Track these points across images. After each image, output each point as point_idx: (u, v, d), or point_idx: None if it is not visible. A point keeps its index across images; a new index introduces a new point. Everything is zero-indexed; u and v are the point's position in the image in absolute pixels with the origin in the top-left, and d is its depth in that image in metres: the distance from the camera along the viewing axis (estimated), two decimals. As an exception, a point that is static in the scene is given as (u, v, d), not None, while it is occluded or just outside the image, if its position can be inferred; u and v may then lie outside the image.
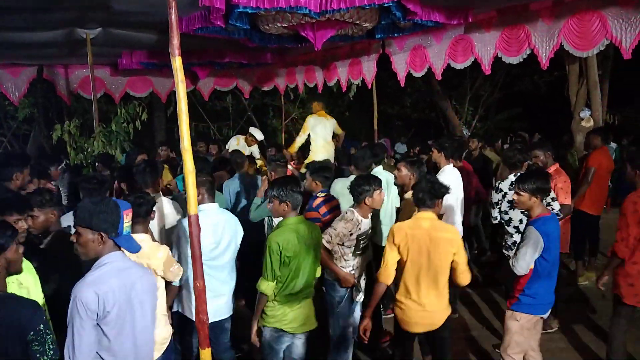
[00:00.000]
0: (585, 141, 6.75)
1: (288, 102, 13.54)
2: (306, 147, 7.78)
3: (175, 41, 2.88)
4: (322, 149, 7.37)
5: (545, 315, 3.77)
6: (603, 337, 4.97)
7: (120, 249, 2.46)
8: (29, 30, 6.02)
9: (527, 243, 3.49)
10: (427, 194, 3.47)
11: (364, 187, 3.74)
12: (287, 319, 3.50)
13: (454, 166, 5.12)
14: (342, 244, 3.84)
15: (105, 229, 2.37)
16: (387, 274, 3.54)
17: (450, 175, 4.90)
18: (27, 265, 2.71)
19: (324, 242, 3.72)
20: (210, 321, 3.65)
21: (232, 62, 8.22)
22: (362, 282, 4.06)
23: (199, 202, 3.63)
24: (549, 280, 3.65)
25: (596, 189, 6.24)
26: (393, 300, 3.70)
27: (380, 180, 3.86)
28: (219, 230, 3.72)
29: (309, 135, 7.77)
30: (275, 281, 3.42)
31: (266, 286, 3.39)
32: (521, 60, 5.70)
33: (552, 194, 4.57)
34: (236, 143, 8.43)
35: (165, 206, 4.10)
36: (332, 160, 6.96)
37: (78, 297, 2.25)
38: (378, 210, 5.13)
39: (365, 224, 3.85)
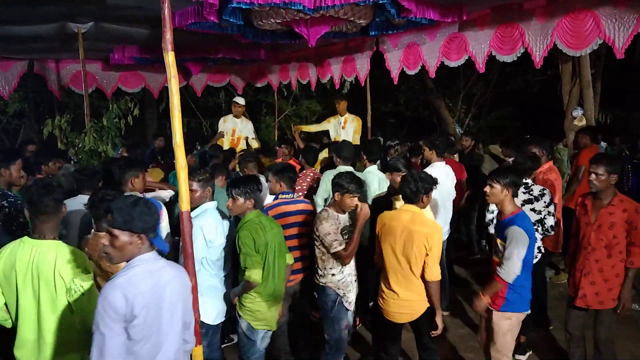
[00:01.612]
0: (574, 140, 6.79)
1: (281, 98, 13.50)
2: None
3: (168, 36, 2.85)
4: None
5: (528, 312, 3.76)
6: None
7: (153, 250, 2.40)
8: (19, 23, 5.96)
9: (517, 244, 3.44)
10: (411, 191, 3.55)
11: (340, 182, 3.72)
12: (262, 317, 3.64)
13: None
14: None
15: (146, 230, 2.31)
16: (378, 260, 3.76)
17: (440, 171, 4.94)
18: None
19: (337, 248, 3.67)
20: (215, 323, 3.76)
21: (225, 58, 8.18)
22: (353, 286, 3.98)
23: (204, 200, 3.68)
24: (529, 274, 3.66)
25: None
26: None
27: (361, 187, 3.80)
28: (225, 229, 3.76)
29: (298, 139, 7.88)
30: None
31: (256, 273, 3.48)
32: (515, 58, 5.70)
33: (551, 209, 4.50)
34: (223, 121, 8.27)
35: None
36: None
37: (106, 299, 2.19)
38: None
39: (343, 219, 3.81)
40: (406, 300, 3.59)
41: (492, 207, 4.56)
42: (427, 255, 3.47)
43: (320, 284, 3.88)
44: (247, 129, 8.21)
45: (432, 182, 3.63)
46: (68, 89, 9.17)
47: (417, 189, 3.54)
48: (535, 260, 4.23)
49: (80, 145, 6.33)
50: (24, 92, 11.85)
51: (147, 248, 2.36)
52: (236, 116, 8.11)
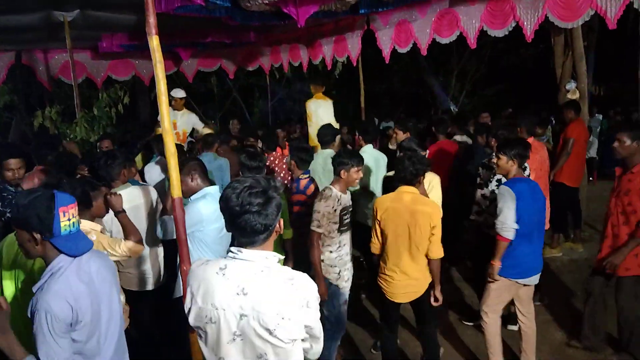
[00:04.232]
0: (560, 115, 6.83)
1: (274, 81, 13.40)
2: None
3: (152, 20, 2.81)
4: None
5: (528, 281, 3.86)
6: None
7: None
8: (2, 14, 5.86)
9: (503, 199, 3.65)
10: (409, 173, 3.61)
11: (342, 159, 3.80)
12: None
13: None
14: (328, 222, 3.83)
15: (37, 228, 2.06)
16: (376, 246, 3.78)
17: None
18: None
19: (313, 228, 3.74)
20: None
21: (215, 42, 8.07)
22: (349, 265, 4.06)
23: (195, 187, 3.65)
24: (528, 244, 3.75)
25: (575, 160, 6.28)
26: (378, 273, 3.83)
27: (362, 159, 3.88)
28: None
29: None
30: None
31: None
32: (506, 33, 5.64)
33: (528, 171, 4.62)
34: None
35: (141, 194, 3.96)
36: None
37: (48, 312, 2.00)
38: (367, 189, 5.17)
39: (345, 199, 3.87)
40: (414, 280, 3.66)
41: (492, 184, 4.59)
42: (432, 234, 3.57)
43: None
44: (189, 122, 7.68)
45: (427, 163, 3.77)
46: (57, 79, 9.05)
47: (417, 171, 3.63)
48: None
49: (71, 135, 6.29)
50: (12, 84, 11.70)
51: (52, 248, 2.12)
52: (176, 109, 7.52)
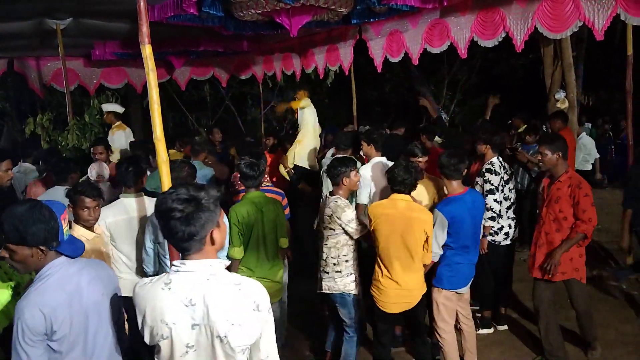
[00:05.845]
0: (549, 126, 6.93)
1: (266, 90, 13.43)
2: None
3: (144, 29, 2.83)
4: (314, 139, 7.18)
5: (465, 290, 3.97)
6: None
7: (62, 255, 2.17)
8: (-4, 21, 5.87)
9: (436, 227, 3.71)
10: (404, 184, 3.61)
11: (340, 168, 3.87)
12: None
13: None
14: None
15: (45, 241, 2.06)
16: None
17: (381, 168, 4.57)
18: None
19: (364, 232, 3.79)
20: None
21: (208, 51, 8.11)
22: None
23: None
24: (465, 255, 3.87)
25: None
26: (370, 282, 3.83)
27: (355, 162, 4.02)
28: None
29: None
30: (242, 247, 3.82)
31: (234, 251, 3.77)
32: (496, 43, 5.71)
33: (488, 186, 4.58)
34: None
35: (136, 207, 3.89)
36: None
37: (22, 319, 1.97)
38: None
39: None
40: (405, 290, 3.64)
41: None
42: (426, 241, 3.61)
43: (337, 274, 3.88)
44: (118, 141, 6.78)
45: (419, 171, 3.84)
46: (50, 86, 9.04)
47: (416, 179, 3.67)
48: (506, 242, 4.67)
49: (63, 143, 6.29)
50: (4, 91, 11.69)
51: (55, 255, 2.13)
52: (110, 124, 6.99)
